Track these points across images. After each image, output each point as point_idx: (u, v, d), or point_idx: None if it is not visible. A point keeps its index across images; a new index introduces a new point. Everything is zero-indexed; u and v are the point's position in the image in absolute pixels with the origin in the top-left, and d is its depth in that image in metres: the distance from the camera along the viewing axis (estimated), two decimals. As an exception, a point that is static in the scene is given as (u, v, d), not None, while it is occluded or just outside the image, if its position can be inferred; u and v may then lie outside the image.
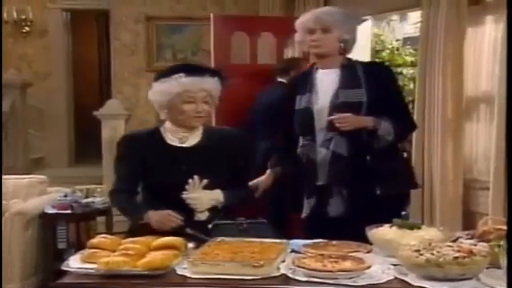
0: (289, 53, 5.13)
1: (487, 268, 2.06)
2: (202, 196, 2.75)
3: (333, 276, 2.02)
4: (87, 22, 10.06)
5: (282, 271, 2.13)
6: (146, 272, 2.11)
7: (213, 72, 2.88)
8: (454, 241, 2.25)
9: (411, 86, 6.15)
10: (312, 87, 3.09)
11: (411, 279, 2.04)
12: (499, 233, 2.27)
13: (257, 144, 4.25)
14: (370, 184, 2.96)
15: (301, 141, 3.10)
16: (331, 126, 2.98)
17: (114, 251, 2.27)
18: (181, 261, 2.22)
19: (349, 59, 3.14)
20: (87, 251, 2.32)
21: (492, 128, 4.27)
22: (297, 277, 2.07)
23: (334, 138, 2.98)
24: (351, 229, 2.45)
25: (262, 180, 3.27)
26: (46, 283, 4.51)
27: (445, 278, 2.00)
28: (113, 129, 7.19)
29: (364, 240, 2.40)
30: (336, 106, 2.99)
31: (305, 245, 2.38)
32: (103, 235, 2.48)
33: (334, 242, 2.43)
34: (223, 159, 2.84)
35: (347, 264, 2.10)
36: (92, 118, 7.25)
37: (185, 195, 2.74)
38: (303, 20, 3.11)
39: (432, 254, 2.02)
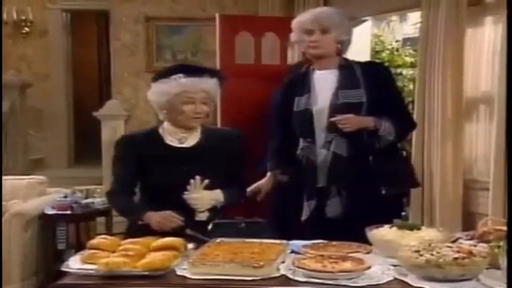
0: (294, 53, 5.11)
1: (487, 268, 2.06)
2: (203, 197, 2.75)
3: (333, 277, 2.02)
4: (86, 22, 10.06)
5: (282, 271, 2.13)
6: (146, 273, 2.11)
7: (212, 73, 2.88)
8: (454, 241, 2.25)
9: (411, 86, 6.14)
10: (310, 88, 3.07)
11: (411, 279, 2.04)
12: (498, 234, 2.28)
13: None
14: (372, 184, 2.95)
15: (301, 143, 3.08)
16: (331, 127, 2.97)
17: (114, 251, 2.27)
18: (181, 262, 2.22)
19: (346, 60, 3.13)
20: (87, 252, 2.31)
21: (492, 128, 4.27)
22: (297, 278, 2.07)
23: (335, 139, 2.97)
24: (352, 230, 2.45)
25: (263, 183, 3.28)
26: (46, 284, 4.50)
27: (445, 278, 2.00)
28: (112, 129, 7.18)
29: (364, 240, 2.40)
30: (337, 107, 2.98)
31: (305, 246, 2.38)
32: (103, 236, 2.49)
33: (334, 242, 2.43)
34: (222, 159, 2.85)
35: (347, 265, 2.10)
36: (92, 119, 7.24)
37: (186, 195, 2.74)
38: (300, 20, 3.10)
39: (432, 254, 2.02)
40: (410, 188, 3.39)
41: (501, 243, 2.06)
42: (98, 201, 5.08)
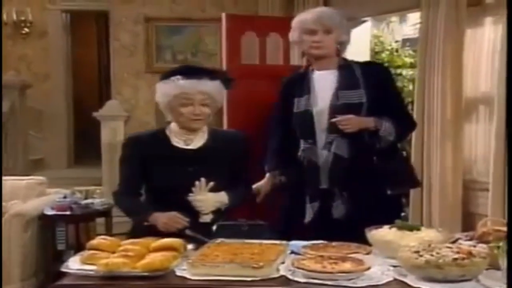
0: (294, 53, 5.09)
1: (487, 269, 2.06)
2: (208, 199, 2.75)
3: (333, 278, 2.02)
4: (86, 23, 10.06)
5: (282, 272, 2.13)
6: (145, 274, 2.11)
7: (213, 75, 2.85)
8: (454, 242, 2.25)
9: (411, 87, 6.15)
10: (310, 89, 3.06)
11: (410, 280, 2.04)
12: (498, 235, 2.28)
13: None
14: (373, 185, 2.95)
15: (302, 144, 3.06)
16: (332, 128, 2.96)
17: (113, 252, 2.27)
18: (180, 263, 2.22)
19: (346, 60, 3.13)
20: (86, 253, 2.31)
21: (492, 129, 4.27)
22: (296, 279, 2.07)
23: (336, 140, 2.96)
24: (354, 231, 2.44)
25: (262, 184, 3.25)
26: (45, 284, 4.50)
27: (444, 279, 2.00)
28: (112, 130, 7.19)
29: (364, 241, 2.40)
30: (337, 108, 2.97)
31: (305, 247, 2.38)
32: (102, 237, 2.48)
33: (333, 243, 2.43)
34: (227, 161, 2.84)
35: (347, 266, 2.10)
36: (92, 119, 7.24)
37: (191, 197, 2.74)
38: (302, 20, 3.08)
39: (432, 255, 2.02)
40: (411, 188, 3.39)
41: (501, 244, 2.06)
42: (98, 201, 5.08)
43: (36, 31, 7.91)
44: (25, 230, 4.64)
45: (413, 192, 4.48)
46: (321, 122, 3.00)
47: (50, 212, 4.81)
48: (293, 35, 3.13)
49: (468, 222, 4.47)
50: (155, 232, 2.58)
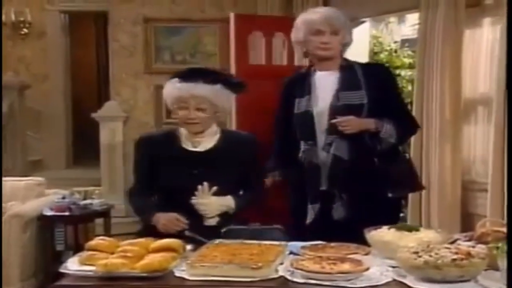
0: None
1: (485, 270, 2.06)
2: (211, 203, 2.75)
3: (332, 278, 2.02)
4: (85, 24, 10.05)
5: (281, 273, 2.13)
6: (144, 274, 2.11)
7: (213, 78, 2.80)
8: (452, 243, 2.25)
9: (409, 88, 6.16)
10: (311, 90, 3.03)
11: (409, 281, 2.04)
12: (497, 235, 2.28)
13: None
14: (373, 187, 2.93)
15: (302, 145, 3.04)
16: (331, 129, 2.94)
17: (112, 253, 2.27)
18: (179, 263, 2.22)
19: (348, 61, 3.10)
20: (85, 253, 2.31)
21: (490, 129, 4.27)
22: (295, 279, 2.07)
23: (335, 141, 2.94)
24: (353, 233, 2.43)
25: None
26: (45, 285, 4.50)
27: (443, 280, 2.00)
28: (111, 131, 7.19)
29: (363, 242, 2.39)
30: (337, 109, 2.94)
31: (304, 247, 2.38)
32: (101, 237, 2.48)
33: (332, 244, 2.43)
34: (236, 164, 2.82)
35: (346, 266, 2.10)
36: (90, 120, 7.25)
37: (194, 200, 2.74)
38: (308, 20, 3.03)
39: (431, 256, 2.02)
40: (413, 191, 3.36)
41: (500, 244, 2.06)
42: (97, 202, 5.08)
43: (34, 31, 7.90)
44: (24, 231, 4.63)
45: (412, 193, 4.48)
46: (321, 123, 2.98)
47: (49, 212, 4.81)
48: (297, 35, 3.08)
49: (467, 222, 4.47)
50: (156, 232, 2.59)
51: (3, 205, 4.60)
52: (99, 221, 5.18)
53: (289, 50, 5.01)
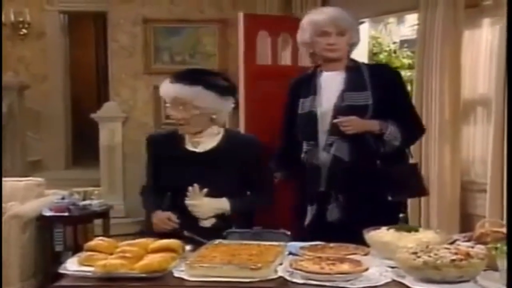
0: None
1: (484, 270, 2.06)
2: (203, 204, 2.75)
3: (331, 279, 2.02)
4: (84, 24, 10.05)
5: (280, 273, 2.13)
6: (143, 275, 2.11)
7: (192, 80, 2.79)
8: (452, 243, 2.25)
9: (409, 88, 6.16)
10: (316, 90, 2.99)
11: (408, 281, 2.04)
12: (496, 236, 2.28)
13: None
14: (374, 190, 2.87)
15: (304, 146, 3.00)
16: (333, 129, 2.89)
17: (111, 253, 2.26)
18: (178, 264, 2.22)
19: (354, 61, 3.05)
20: (84, 254, 2.31)
21: (490, 130, 4.28)
22: (294, 280, 2.07)
23: (336, 142, 2.89)
24: (352, 235, 2.41)
25: None
26: (45, 285, 4.51)
27: (442, 280, 2.00)
28: (110, 131, 7.20)
29: (363, 243, 2.39)
30: (341, 109, 2.89)
31: (303, 248, 2.38)
32: (100, 238, 2.48)
33: (331, 244, 2.43)
34: (237, 166, 2.81)
35: (345, 267, 2.09)
36: (90, 121, 7.25)
37: (187, 201, 2.75)
38: (314, 21, 2.98)
39: (430, 256, 2.02)
40: (417, 196, 3.29)
41: (499, 245, 2.06)
42: (96, 203, 5.08)
43: (34, 32, 7.90)
44: (23, 231, 4.63)
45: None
46: (324, 123, 2.93)
47: (48, 213, 4.81)
48: (303, 36, 3.03)
49: (466, 223, 4.47)
50: (156, 232, 2.62)
51: (3, 205, 4.60)
52: (98, 221, 5.19)
53: (297, 51, 5.01)
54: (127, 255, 2.21)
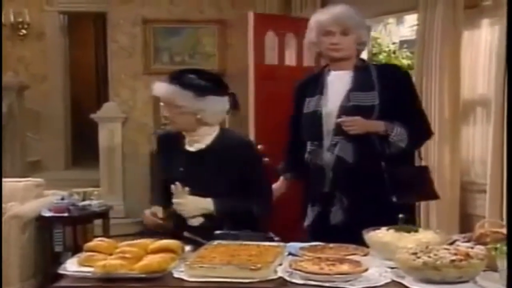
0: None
1: (484, 271, 2.06)
2: (188, 203, 2.76)
3: (330, 279, 2.02)
4: (84, 24, 10.05)
5: (279, 274, 2.13)
6: (143, 275, 2.11)
7: (171, 79, 2.80)
8: (451, 244, 2.25)
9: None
10: (323, 89, 2.95)
11: (408, 282, 2.04)
12: (496, 236, 2.28)
13: None
14: (378, 192, 2.82)
15: (308, 146, 2.96)
16: (338, 129, 2.85)
17: (111, 254, 2.26)
18: (178, 264, 2.21)
19: (363, 61, 3.03)
20: (84, 254, 2.31)
21: (489, 130, 4.28)
22: (294, 280, 2.07)
23: (340, 143, 2.85)
24: (354, 237, 2.39)
25: (275, 188, 3.12)
26: (44, 286, 4.51)
27: (442, 281, 2.00)
28: (110, 132, 7.20)
29: (362, 243, 2.39)
30: (346, 109, 2.85)
31: (302, 248, 2.37)
32: (100, 238, 2.48)
33: (331, 245, 2.42)
34: (225, 168, 2.79)
35: (344, 267, 2.09)
36: (89, 121, 7.25)
37: (173, 199, 2.78)
38: (319, 21, 2.95)
39: (429, 257, 2.02)
40: (426, 199, 3.23)
41: (498, 245, 2.06)
42: (95, 203, 5.09)
43: (33, 32, 7.90)
44: (23, 231, 4.64)
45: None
46: (328, 123, 2.89)
47: (47, 213, 4.81)
48: (310, 36, 3.01)
49: (465, 223, 4.47)
50: (156, 232, 2.69)
51: (3, 205, 4.60)
52: (98, 222, 5.19)
53: (302, 51, 5.02)
54: (127, 255, 2.21)
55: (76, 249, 4.11)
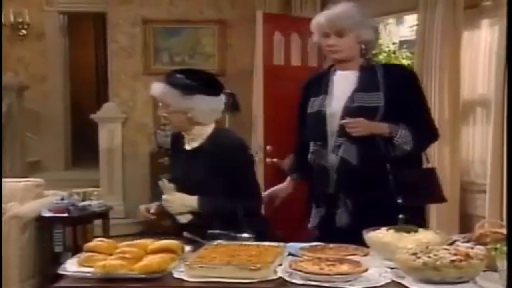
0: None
1: (484, 271, 2.06)
2: (174, 200, 2.82)
3: (330, 280, 2.02)
4: (84, 25, 10.06)
5: (279, 274, 2.12)
6: (143, 276, 2.11)
7: (163, 79, 2.88)
8: (451, 244, 2.25)
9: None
10: (328, 89, 2.93)
11: (408, 282, 2.04)
12: (496, 236, 2.28)
13: None
14: (383, 194, 2.78)
15: (311, 146, 2.93)
16: (341, 131, 2.81)
17: (110, 254, 2.26)
18: (178, 265, 2.21)
19: (369, 61, 3.00)
20: (83, 255, 2.31)
21: (489, 130, 4.28)
22: (294, 281, 2.07)
23: (344, 144, 2.81)
24: (357, 239, 2.38)
25: (281, 188, 3.12)
26: (44, 286, 4.51)
27: (442, 281, 2.00)
28: (110, 132, 7.20)
29: (362, 243, 2.38)
30: (350, 110, 2.81)
31: (302, 248, 2.37)
32: (100, 239, 2.48)
33: (331, 245, 2.42)
34: (214, 167, 2.79)
35: (344, 268, 2.09)
36: (89, 121, 7.25)
37: (162, 196, 2.85)
38: (317, 22, 2.93)
39: (429, 257, 2.02)
40: (433, 202, 3.20)
41: (498, 246, 2.06)
42: (95, 203, 5.08)
43: (33, 32, 7.91)
44: (23, 232, 4.63)
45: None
46: (332, 124, 2.86)
47: (47, 214, 4.80)
48: (314, 38, 2.99)
49: (465, 223, 4.48)
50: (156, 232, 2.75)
51: (3, 206, 4.60)
52: (98, 222, 5.19)
53: (307, 51, 5.02)
54: (127, 256, 2.21)
55: (76, 250, 4.11)
